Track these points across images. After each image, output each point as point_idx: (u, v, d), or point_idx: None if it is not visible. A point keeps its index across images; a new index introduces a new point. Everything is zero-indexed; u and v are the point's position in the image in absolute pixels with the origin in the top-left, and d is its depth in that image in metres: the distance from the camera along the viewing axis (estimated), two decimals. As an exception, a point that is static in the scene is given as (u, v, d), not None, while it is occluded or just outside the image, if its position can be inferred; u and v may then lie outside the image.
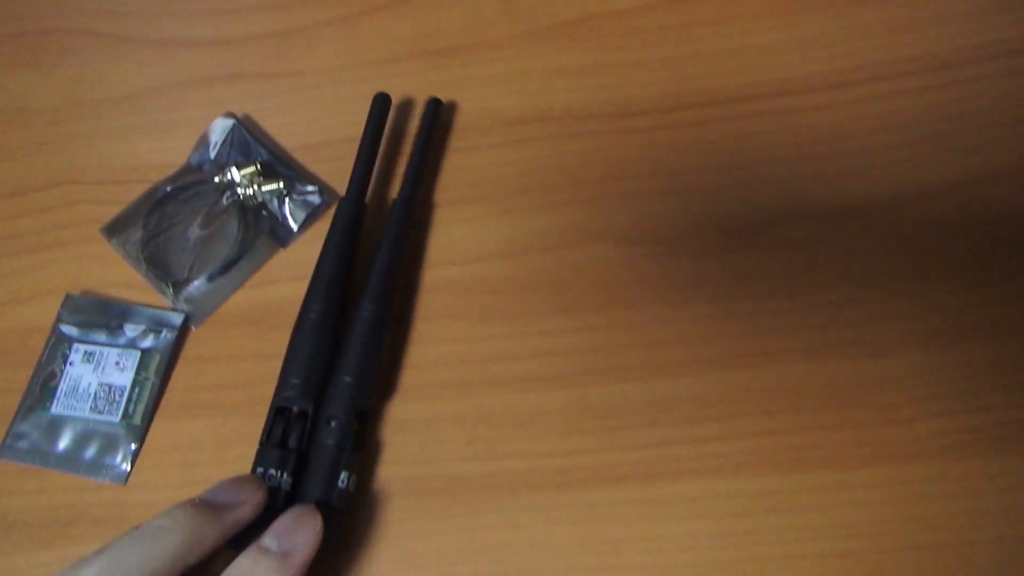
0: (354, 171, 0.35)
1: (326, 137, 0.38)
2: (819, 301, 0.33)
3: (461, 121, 0.38)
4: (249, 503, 0.27)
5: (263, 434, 0.30)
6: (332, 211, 0.36)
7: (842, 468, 0.30)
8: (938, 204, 0.34)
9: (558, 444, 0.31)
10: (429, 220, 0.36)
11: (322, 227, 0.36)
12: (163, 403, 0.33)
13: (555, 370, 0.33)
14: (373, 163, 0.35)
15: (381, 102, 0.36)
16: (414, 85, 0.39)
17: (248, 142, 0.37)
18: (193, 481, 0.32)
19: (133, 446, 0.33)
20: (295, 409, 0.30)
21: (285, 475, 0.29)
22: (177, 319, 0.34)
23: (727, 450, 0.31)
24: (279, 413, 0.30)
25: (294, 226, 0.36)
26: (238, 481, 0.28)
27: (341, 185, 0.37)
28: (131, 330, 0.34)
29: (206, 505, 0.27)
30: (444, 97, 0.37)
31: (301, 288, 0.35)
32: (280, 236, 0.36)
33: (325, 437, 0.30)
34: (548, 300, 0.34)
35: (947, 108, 0.36)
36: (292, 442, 0.30)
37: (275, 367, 0.33)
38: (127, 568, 0.24)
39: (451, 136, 0.37)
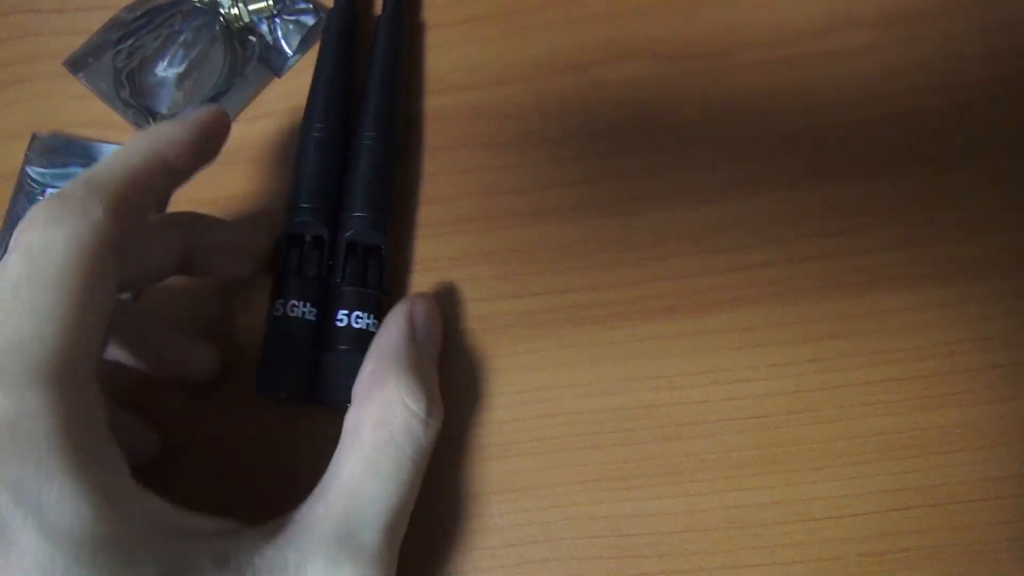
0: None
1: (317, -50, 0.33)
2: (874, 117, 0.30)
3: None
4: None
5: (277, 264, 0.27)
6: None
7: (909, 288, 0.28)
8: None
9: (600, 277, 0.29)
10: (422, 42, 0.32)
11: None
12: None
13: (591, 198, 0.30)
14: None
15: None
16: None
17: None
18: (198, 331, 0.29)
19: (125, 297, 0.29)
20: (308, 237, 0.27)
21: (309, 305, 0.26)
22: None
23: (784, 275, 0.28)
24: (292, 242, 0.27)
25: (288, 50, 0.31)
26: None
27: (338, 3, 0.32)
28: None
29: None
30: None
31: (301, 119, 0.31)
32: (273, 63, 0.32)
33: (346, 280, 0.27)
34: (578, 123, 0.30)
35: None
36: (310, 271, 0.27)
37: (279, 205, 0.30)
38: (104, 168, 0.22)
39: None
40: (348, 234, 0.28)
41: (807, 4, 0.31)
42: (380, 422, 0.23)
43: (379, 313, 0.27)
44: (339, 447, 0.23)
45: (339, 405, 0.25)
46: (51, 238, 0.20)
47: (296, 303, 0.26)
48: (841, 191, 0.29)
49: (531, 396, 0.28)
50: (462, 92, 0.31)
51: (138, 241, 0.25)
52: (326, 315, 0.27)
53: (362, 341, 0.26)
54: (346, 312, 0.27)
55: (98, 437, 0.20)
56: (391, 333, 0.25)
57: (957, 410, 0.27)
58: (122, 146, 0.23)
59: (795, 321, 0.28)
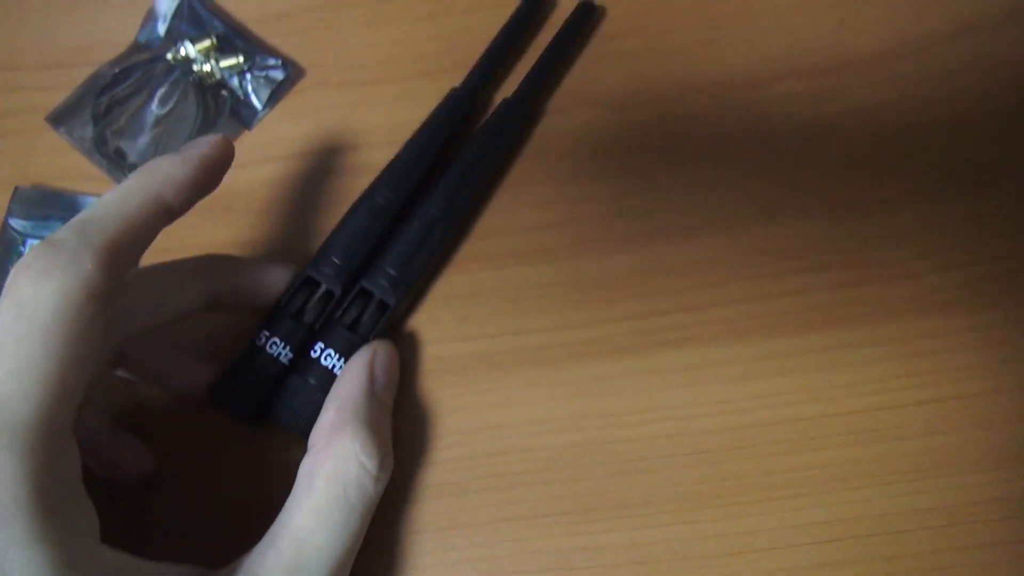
0: (482, 60, 0.32)
1: (286, 7, 0.35)
2: (809, 157, 0.31)
3: None
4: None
5: (282, 298, 0.29)
6: (299, 88, 0.34)
7: (845, 327, 0.29)
8: (937, 52, 0.32)
9: (554, 319, 0.30)
10: (401, 93, 0.33)
11: (288, 104, 0.34)
12: (131, 297, 0.31)
13: (546, 243, 0.31)
14: (509, 58, 0.33)
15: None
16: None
17: (200, 14, 0.34)
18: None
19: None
20: (323, 286, 0.29)
21: (288, 348, 0.28)
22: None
23: (727, 315, 0.30)
24: (305, 283, 0.29)
25: (258, 104, 0.33)
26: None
27: (306, 59, 0.34)
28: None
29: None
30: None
31: (271, 170, 0.33)
32: (243, 116, 0.33)
33: (342, 319, 0.29)
34: (536, 170, 0.32)
35: None
36: (308, 317, 0.29)
37: (245, 254, 0.31)
38: (99, 213, 0.22)
39: (423, 3, 0.35)
40: (368, 283, 0.29)
41: (748, 53, 0.33)
42: (334, 476, 0.24)
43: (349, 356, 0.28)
44: (293, 492, 0.25)
45: (287, 431, 0.27)
46: (41, 291, 0.20)
47: (277, 342, 0.28)
48: (778, 234, 0.31)
49: (486, 434, 0.29)
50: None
51: (165, 284, 0.26)
52: (307, 343, 0.28)
53: (326, 380, 0.28)
54: (322, 347, 0.28)
55: (68, 497, 0.21)
56: (351, 383, 0.27)
57: (890, 444, 0.28)
58: (119, 186, 0.23)
59: (737, 359, 0.29)
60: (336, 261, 0.29)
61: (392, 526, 0.28)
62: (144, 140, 0.33)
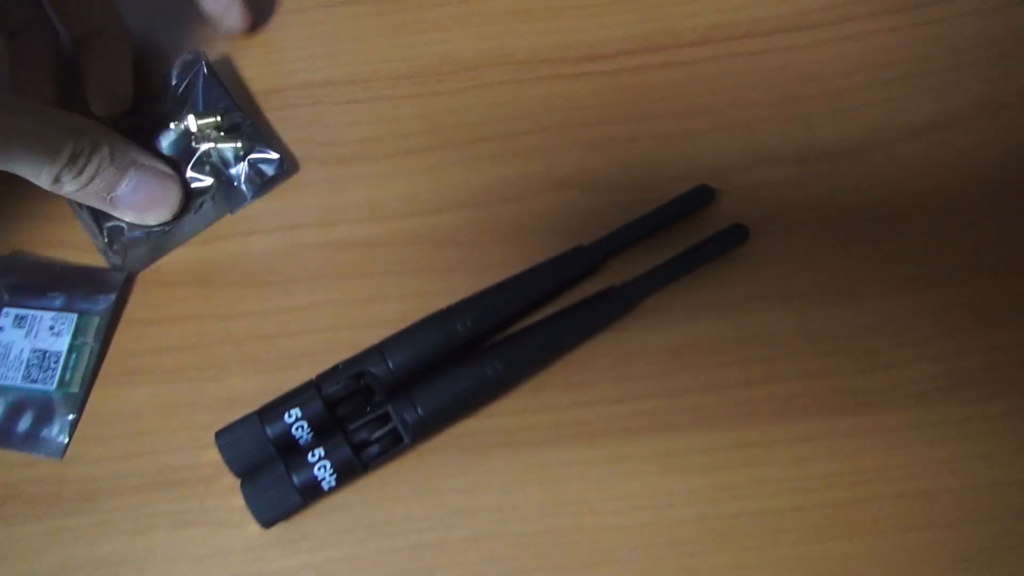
0: (624, 230, 0.31)
1: (275, 84, 0.35)
2: (787, 247, 0.32)
3: (417, 66, 0.36)
4: None
5: (325, 374, 0.29)
6: (291, 182, 0.34)
7: (819, 418, 0.29)
8: (909, 146, 0.33)
9: (527, 402, 0.30)
10: (385, 171, 0.34)
11: (276, 195, 0.33)
12: (103, 369, 0.31)
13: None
14: (644, 236, 0.31)
15: (702, 193, 0.32)
16: (367, 27, 0.36)
17: (212, 89, 0.34)
18: (137, 452, 0.30)
19: (71, 416, 0.30)
20: (365, 384, 0.29)
21: (307, 428, 0.28)
22: (118, 279, 0.32)
23: (701, 402, 0.30)
24: (357, 375, 0.29)
25: (247, 194, 0.33)
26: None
27: (308, 142, 0.34)
28: (67, 291, 0.32)
29: None
30: (398, 38, 0.35)
31: (251, 244, 0.33)
32: (230, 199, 0.33)
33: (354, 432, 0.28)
34: (514, 251, 0.32)
35: (919, 47, 0.35)
36: (341, 409, 0.29)
37: (223, 328, 0.31)
38: None
39: (408, 82, 0.35)
40: (395, 410, 0.28)
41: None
42: None
43: (343, 477, 0.28)
44: None
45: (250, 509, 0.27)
46: None
47: (304, 426, 0.28)
48: (756, 320, 0.31)
49: (457, 519, 0.29)
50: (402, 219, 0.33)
51: None
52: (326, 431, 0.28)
53: (309, 488, 0.27)
54: (322, 454, 0.27)
55: None
56: None
57: (867, 539, 0.28)
58: None
59: (711, 448, 0.29)
60: (390, 366, 0.28)
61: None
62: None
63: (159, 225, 0.32)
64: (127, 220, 0.32)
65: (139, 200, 0.31)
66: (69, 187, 0.29)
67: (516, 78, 0.35)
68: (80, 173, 0.29)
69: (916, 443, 0.29)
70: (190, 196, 0.33)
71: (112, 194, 0.30)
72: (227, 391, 0.30)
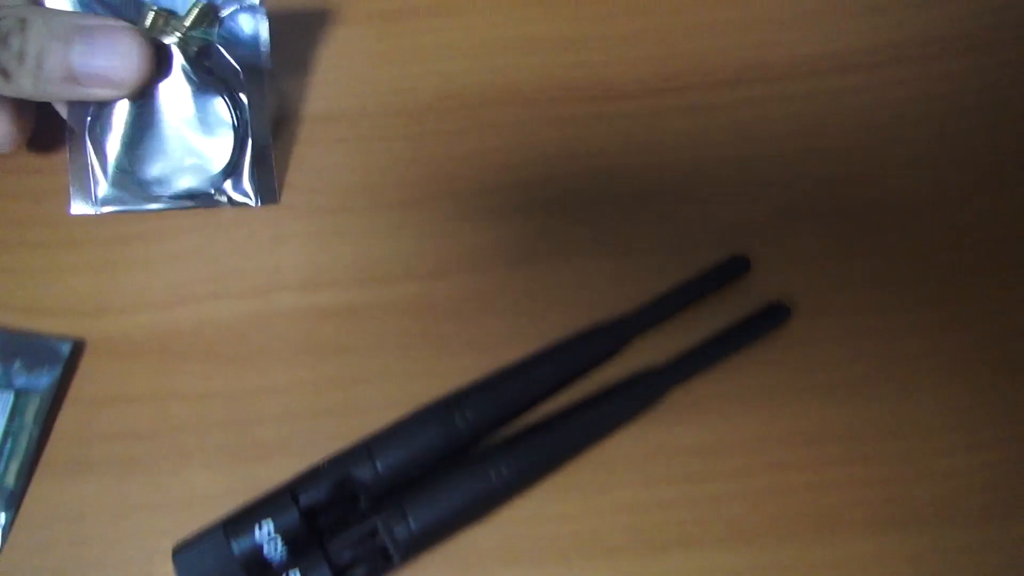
0: (655, 305, 0.28)
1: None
2: (831, 325, 0.28)
3: (412, 101, 0.31)
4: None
5: (303, 478, 0.25)
6: (267, 235, 0.30)
7: (867, 532, 0.26)
8: (974, 204, 0.29)
9: (534, 509, 0.26)
10: (375, 225, 0.30)
11: (250, 251, 0.29)
12: (44, 459, 0.27)
13: (531, 414, 0.27)
14: (672, 314, 0.28)
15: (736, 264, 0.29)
16: (359, 52, 0.32)
17: None
18: (81, 562, 0.26)
19: (3, 516, 0.26)
20: (349, 490, 0.25)
21: (280, 543, 0.24)
22: (64, 348, 0.28)
23: (733, 513, 0.26)
24: (340, 481, 0.25)
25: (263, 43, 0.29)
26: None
27: (287, 187, 0.30)
28: (3, 364, 0.27)
29: None
30: (390, 67, 0.31)
31: (216, 309, 0.29)
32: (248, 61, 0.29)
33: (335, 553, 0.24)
34: (523, 325, 0.28)
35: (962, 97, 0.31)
36: (321, 520, 0.25)
37: (186, 411, 0.27)
38: None
39: (403, 119, 0.31)
40: (383, 524, 0.24)
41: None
42: None
43: None
44: None
45: None
46: None
47: (277, 539, 0.24)
48: (797, 413, 0.27)
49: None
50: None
51: None
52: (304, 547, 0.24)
53: None
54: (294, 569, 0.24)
55: None
56: None
57: None
58: None
59: (746, 568, 0.25)
60: (379, 469, 0.25)
61: None
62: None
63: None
64: (110, 95, 0.28)
65: (105, 64, 0.27)
66: (24, 80, 0.26)
67: (524, 118, 0.31)
68: (22, 58, 0.25)
69: (983, 567, 0.25)
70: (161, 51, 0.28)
71: (73, 72, 0.26)
72: (188, 488, 0.26)
